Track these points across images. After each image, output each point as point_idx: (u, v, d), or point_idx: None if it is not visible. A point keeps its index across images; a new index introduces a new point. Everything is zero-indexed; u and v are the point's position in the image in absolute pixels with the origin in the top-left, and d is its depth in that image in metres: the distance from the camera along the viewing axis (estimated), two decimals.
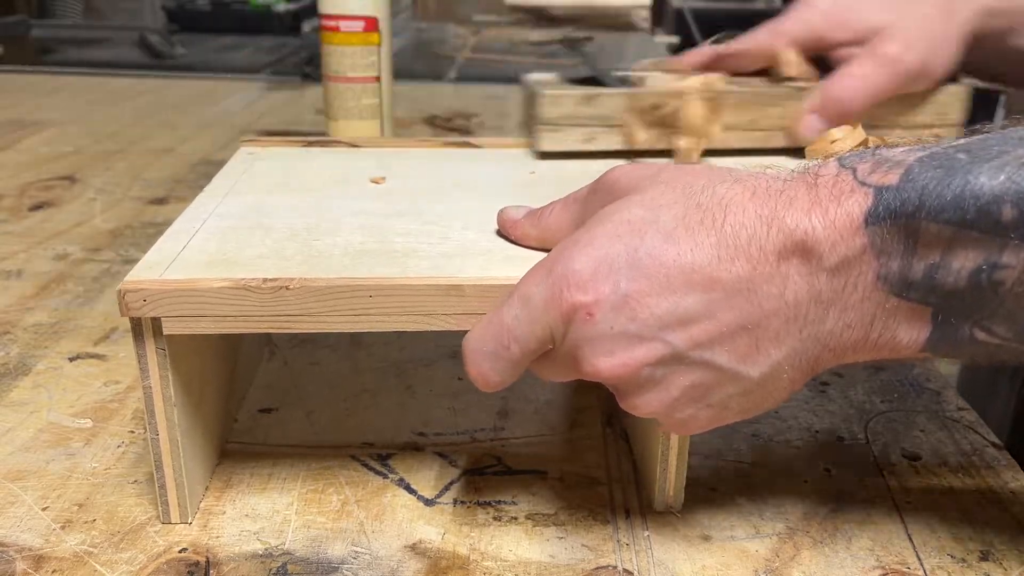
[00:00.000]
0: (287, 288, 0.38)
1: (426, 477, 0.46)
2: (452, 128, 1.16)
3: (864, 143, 0.54)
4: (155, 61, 1.62)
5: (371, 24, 0.84)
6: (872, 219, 0.32)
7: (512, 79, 1.48)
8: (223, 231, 0.44)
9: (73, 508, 0.43)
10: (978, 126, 0.35)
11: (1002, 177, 0.30)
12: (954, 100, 0.59)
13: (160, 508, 0.41)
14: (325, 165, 0.56)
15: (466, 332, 0.37)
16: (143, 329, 0.38)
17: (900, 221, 0.31)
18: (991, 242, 0.31)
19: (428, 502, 0.44)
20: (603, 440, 0.49)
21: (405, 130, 1.14)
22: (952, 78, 0.59)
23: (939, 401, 0.53)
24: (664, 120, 0.57)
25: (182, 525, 0.41)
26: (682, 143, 0.57)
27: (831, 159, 0.35)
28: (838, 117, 0.55)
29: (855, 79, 0.55)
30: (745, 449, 0.48)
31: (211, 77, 1.48)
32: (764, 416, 0.51)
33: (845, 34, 0.57)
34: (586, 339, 0.35)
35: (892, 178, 0.32)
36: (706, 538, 0.42)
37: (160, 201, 0.86)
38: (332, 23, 0.84)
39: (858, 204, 0.32)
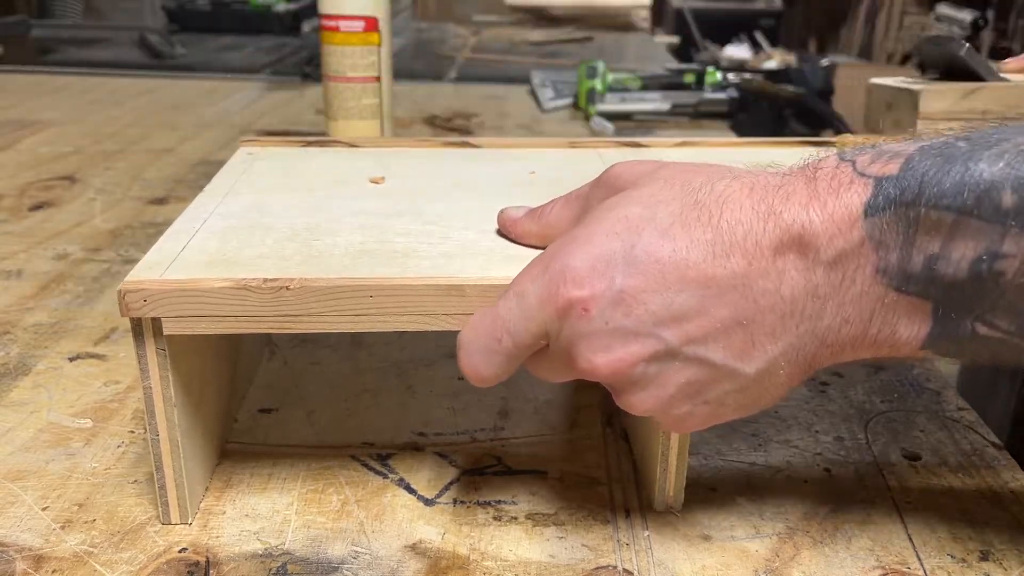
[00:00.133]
0: (287, 288, 0.38)
1: (426, 477, 0.46)
2: (452, 128, 1.16)
3: None
4: (155, 61, 1.62)
5: (371, 24, 0.84)
6: (871, 210, 0.32)
7: (512, 79, 1.49)
8: (223, 231, 0.44)
9: (73, 508, 0.43)
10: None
11: (1001, 164, 0.30)
12: None
13: (160, 508, 0.41)
14: (325, 165, 0.56)
15: None
16: (143, 329, 0.38)
17: (900, 210, 0.31)
18: (991, 230, 0.30)
19: (428, 502, 0.44)
20: (603, 440, 0.49)
21: (405, 130, 1.14)
22: None
23: (939, 401, 0.53)
24: None
25: (182, 525, 0.41)
26: None
27: (831, 153, 0.35)
28: None
29: None
30: (745, 449, 0.48)
31: (211, 77, 1.48)
32: (764, 416, 0.51)
33: None
34: (581, 335, 0.35)
35: (892, 167, 0.32)
36: (706, 538, 0.42)
37: (160, 201, 0.86)
38: (332, 23, 0.84)
39: (857, 195, 0.32)
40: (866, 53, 4.27)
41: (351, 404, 0.52)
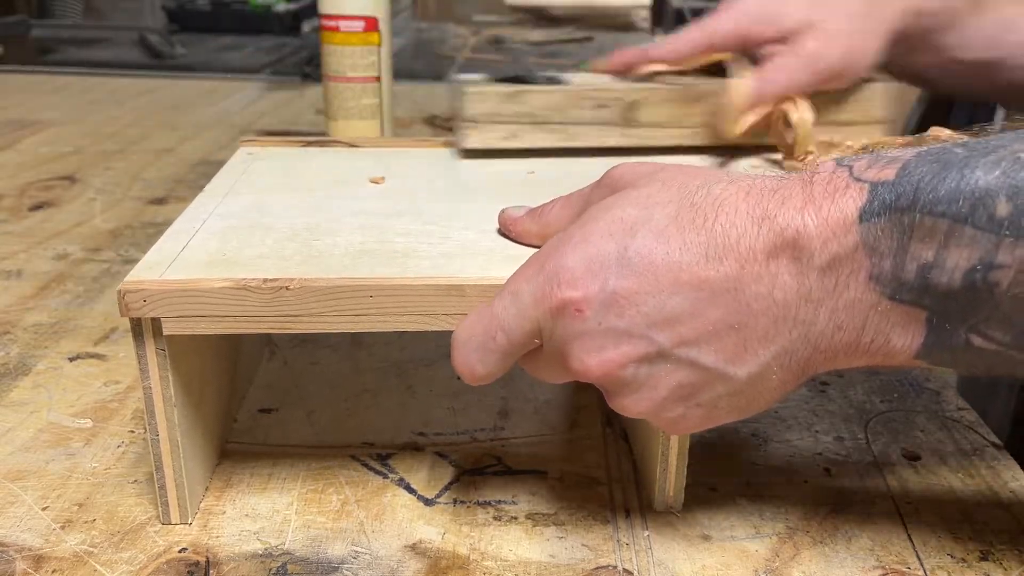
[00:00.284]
0: (287, 288, 0.38)
1: (426, 477, 0.46)
2: (452, 128, 1.16)
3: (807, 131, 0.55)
4: (155, 61, 1.62)
5: (371, 24, 0.84)
6: (866, 215, 0.32)
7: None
8: (223, 231, 0.44)
9: (73, 508, 0.43)
10: (977, 127, 0.35)
11: (998, 172, 0.30)
12: (878, 97, 0.60)
13: (160, 508, 0.41)
14: (325, 165, 0.56)
15: None
16: (143, 329, 0.38)
17: (895, 216, 0.31)
18: (986, 239, 0.30)
19: (428, 502, 0.44)
20: (603, 440, 0.49)
21: (405, 130, 1.14)
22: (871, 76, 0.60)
23: (939, 401, 0.53)
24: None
25: (182, 525, 0.41)
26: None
27: (829, 159, 0.35)
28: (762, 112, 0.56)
29: (776, 75, 0.56)
30: (745, 449, 0.48)
31: (211, 77, 1.48)
32: (764, 416, 0.51)
33: (769, 31, 0.57)
34: (574, 335, 0.35)
35: (888, 173, 0.32)
36: (706, 538, 0.42)
37: (160, 201, 0.86)
38: (332, 23, 0.84)
39: (852, 200, 0.32)
40: None
41: (351, 404, 0.52)
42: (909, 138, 0.54)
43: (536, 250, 0.42)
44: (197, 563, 0.39)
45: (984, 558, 0.40)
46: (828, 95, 0.58)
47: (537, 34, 2.01)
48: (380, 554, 0.40)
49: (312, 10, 1.93)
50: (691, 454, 0.42)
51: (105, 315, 0.62)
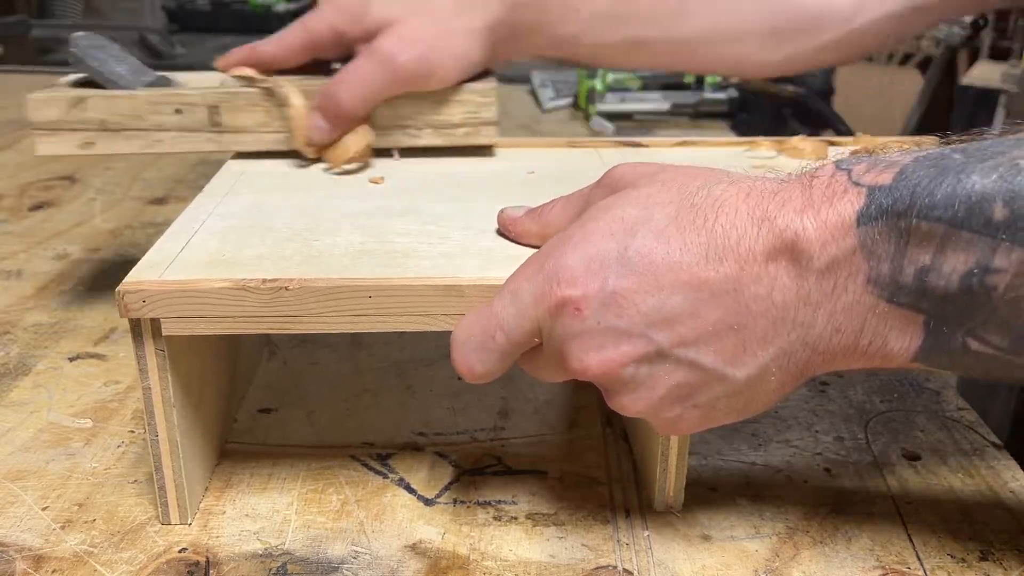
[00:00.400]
0: (287, 288, 0.38)
1: (426, 477, 0.46)
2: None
3: (366, 149, 0.54)
4: (155, 61, 1.62)
5: None
6: (864, 219, 0.32)
7: (512, 79, 1.49)
8: (223, 231, 0.44)
9: (73, 508, 0.43)
10: (976, 129, 0.35)
11: (994, 176, 0.30)
12: (482, 97, 0.57)
13: (160, 508, 0.41)
14: (325, 165, 0.56)
15: None
16: (142, 330, 0.38)
17: (891, 220, 0.31)
18: (982, 243, 0.30)
19: (428, 502, 0.44)
20: (603, 440, 0.49)
21: None
22: (487, 72, 0.58)
23: (939, 401, 0.53)
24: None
25: (182, 525, 0.41)
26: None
27: (828, 162, 0.35)
28: (336, 117, 0.54)
29: (351, 77, 0.54)
30: (745, 449, 0.48)
31: None
32: (764, 416, 0.51)
33: (357, 30, 0.55)
34: (573, 334, 0.35)
35: (886, 177, 0.32)
36: (706, 538, 0.42)
37: (160, 201, 0.86)
38: None
39: (851, 204, 0.32)
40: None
41: (351, 404, 0.52)
42: (906, 140, 0.54)
43: (536, 250, 0.42)
44: (197, 563, 0.39)
45: (984, 558, 0.40)
46: (425, 96, 0.56)
47: None
48: (380, 554, 0.40)
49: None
50: (691, 454, 0.42)
51: (105, 315, 0.62)
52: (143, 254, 0.41)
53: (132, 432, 0.49)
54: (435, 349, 0.58)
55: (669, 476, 0.42)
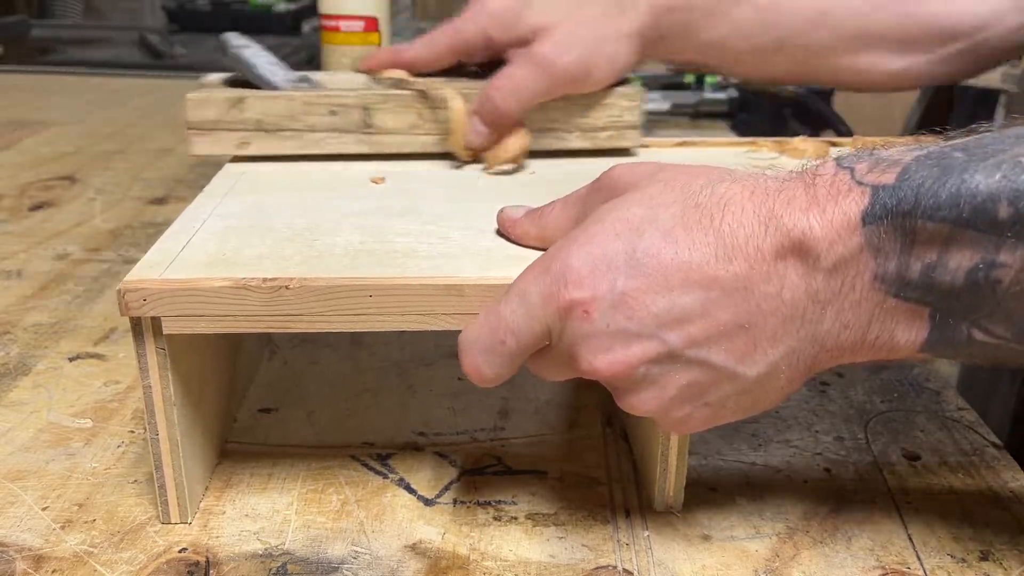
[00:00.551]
0: (287, 288, 0.38)
1: (426, 477, 0.46)
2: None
3: (524, 151, 0.54)
4: (155, 61, 1.62)
5: (371, 24, 0.84)
6: (869, 218, 0.32)
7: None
8: (223, 231, 0.44)
9: (73, 508, 0.43)
10: (975, 126, 0.35)
11: (998, 175, 0.31)
12: (628, 101, 0.58)
13: (160, 508, 0.41)
14: (325, 165, 0.56)
15: None
16: (143, 329, 0.38)
17: (896, 220, 0.31)
18: (987, 240, 0.31)
19: (428, 502, 0.44)
20: (603, 440, 0.49)
21: None
22: (625, 79, 0.59)
23: (939, 401, 0.53)
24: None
25: (182, 525, 0.41)
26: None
27: (829, 159, 0.35)
28: (495, 120, 0.55)
29: (509, 81, 0.55)
30: (745, 449, 0.48)
31: None
32: (764, 416, 0.51)
33: (509, 35, 0.56)
34: (583, 336, 0.35)
35: (889, 177, 0.32)
36: (706, 538, 0.42)
37: (160, 201, 0.86)
38: (332, 23, 0.84)
39: (855, 203, 0.32)
40: None
41: (351, 404, 0.52)
42: (907, 138, 0.54)
43: (537, 250, 0.42)
44: (197, 563, 0.39)
45: (984, 558, 0.40)
46: (575, 100, 0.57)
47: None
48: (380, 554, 0.40)
49: (312, 10, 1.93)
50: (691, 454, 0.42)
51: (105, 315, 0.62)
52: (143, 254, 0.41)
53: (132, 432, 0.49)
54: (435, 349, 0.58)
55: (669, 476, 0.42)
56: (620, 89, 0.58)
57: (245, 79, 0.59)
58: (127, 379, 0.54)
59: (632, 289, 0.34)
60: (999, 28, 0.60)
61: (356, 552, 0.40)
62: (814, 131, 1.33)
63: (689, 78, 1.27)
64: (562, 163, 0.57)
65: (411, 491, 0.45)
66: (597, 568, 0.39)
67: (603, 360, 0.35)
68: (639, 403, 0.36)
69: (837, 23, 0.61)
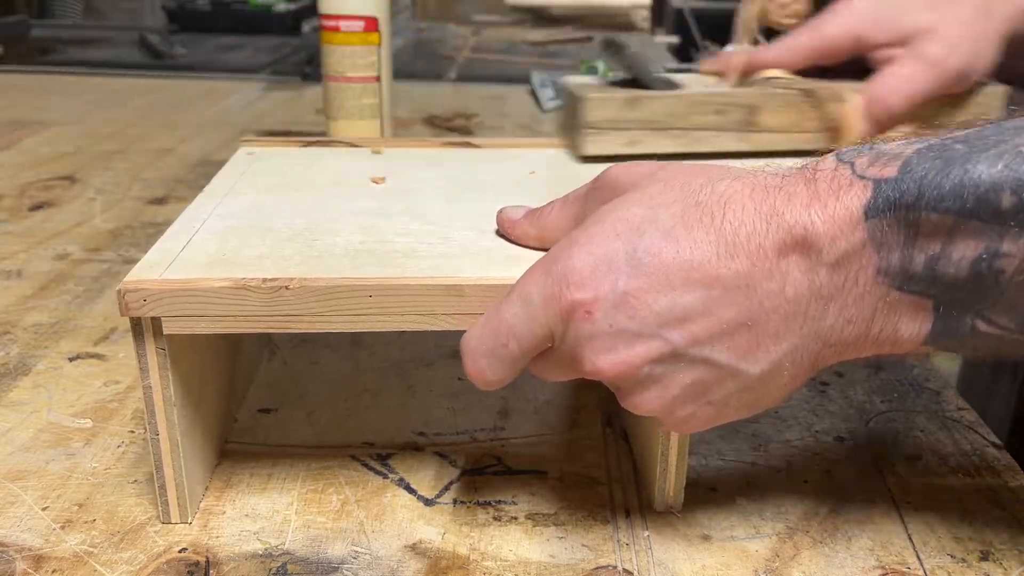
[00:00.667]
0: (287, 288, 0.38)
1: (426, 477, 0.46)
2: (452, 128, 1.16)
3: None
4: (155, 61, 1.62)
5: (371, 24, 0.84)
6: (871, 212, 0.32)
7: (512, 79, 1.49)
8: (223, 231, 0.44)
9: (73, 508, 0.43)
10: (973, 120, 0.35)
11: (1000, 165, 0.31)
12: (993, 100, 0.60)
13: (160, 508, 0.41)
14: (325, 165, 0.56)
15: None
16: (143, 329, 0.38)
17: (899, 213, 0.31)
18: (991, 230, 0.31)
19: (428, 502, 0.44)
20: (603, 440, 0.49)
21: (405, 130, 1.14)
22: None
23: (939, 401, 0.53)
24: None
25: (182, 525, 0.41)
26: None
27: (829, 154, 0.35)
28: (884, 118, 0.56)
29: (899, 80, 0.56)
30: (745, 449, 0.48)
31: (211, 77, 1.48)
32: (764, 416, 0.51)
33: (886, 35, 0.57)
34: (586, 337, 0.35)
35: (890, 170, 0.32)
36: (706, 538, 0.42)
37: (160, 201, 0.86)
38: (332, 23, 0.84)
39: (857, 197, 0.32)
40: None
41: (351, 404, 0.52)
42: (905, 131, 0.54)
43: (537, 251, 0.42)
44: (197, 563, 0.39)
45: (984, 558, 0.40)
46: (947, 98, 0.58)
47: (537, 34, 2.01)
48: (380, 554, 0.40)
49: (312, 10, 1.93)
50: (691, 454, 0.42)
51: (105, 315, 0.62)
52: (143, 254, 0.41)
53: (132, 432, 0.49)
54: (435, 349, 0.58)
55: (669, 476, 0.42)
56: (989, 88, 0.60)
57: (626, 79, 0.61)
58: (127, 379, 0.54)
59: (634, 289, 0.34)
60: None
61: (356, 552, 0.40)
62: None
63: None
64: (563, 163, 0.57)
65: (411, 491, 0.45)
66: (597, 568, 0.39)
67: (606, 360, 0.35)
68: (642, 403, 0.36)
69: None
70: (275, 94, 1.36)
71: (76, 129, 1.10)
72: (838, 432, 0.50)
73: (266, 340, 0.58)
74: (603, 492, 0.45)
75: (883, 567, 0.40)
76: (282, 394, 0.53)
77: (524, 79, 1.46)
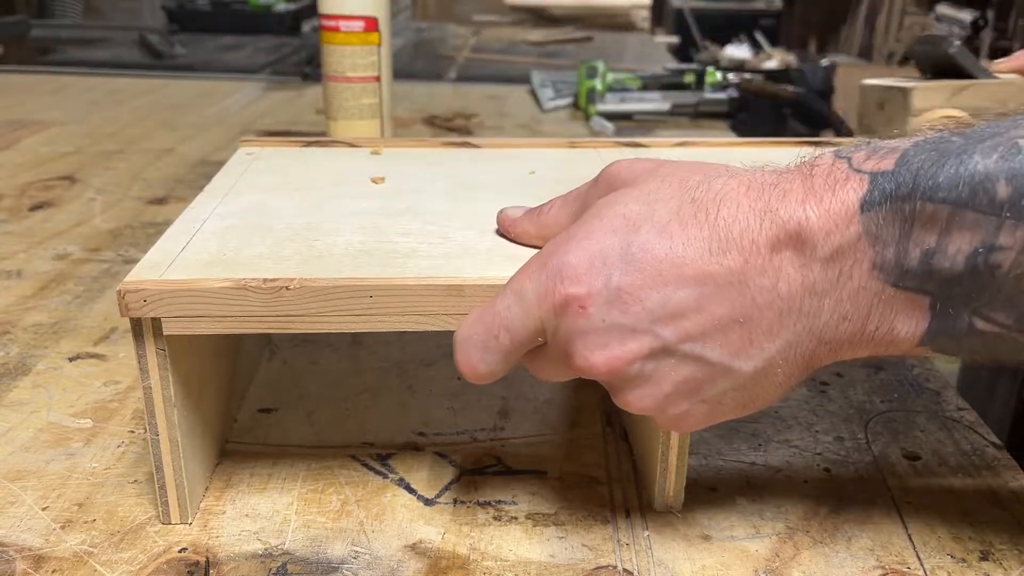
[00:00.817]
0: (287, 288, 0.38)
1: (426, 477, 0.46)
2: (452, 128, 1.16)
3: None
4: (155, 61, 1.62)
5: (371, 24, 0.84)
6: (867, 205, 0.32)
7: (512, 79, 1.49)
8: (223, 231, 0.44)
9: (73, 508, 0.43)
10: (972, 120, 0.35)
11: (996, 156, 0.31)
12: None
13: (160, 508, 0.41)
14: (325, 165, 0.56)
15: None
16: (143, 329, 0.38)
17: (895, 204, 0.31)
18: (987, 222, 0.31)
19: (428, 502, 0.44)
20: (603, 440, 0.49)
21: (405, 130, 1.14)
22: None
23: (939, 401, 0.53)
24: None
25: (182, 525, 0.41)
26: None
27: (827, 150, 0.35)
28: None
29: None
30: (745, 449, 0.48)
31: (211, 77, 1.48)
32: (764, 416, 0.51)
33: None
34: (578, 332, 0.35)
35: (887, 163, 0.32)
36: (706, 538, 0.42)
37: (160, 201, 0.86)
38: (332, 23, 0.84)
39: (853, 191, 0.32)
40: (866, 53, 4.27)
41: (351, 404, 0.52)
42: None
43: (538, 250, 0.42)
44: (197, 563, 0.39)
45: (984, 558, 0.40)
46: None
47: (537, 34, 2.01)
48: (380, 554, 0.40)
49: (312, 10, 1.93)
50: (691, 454, 0.42)
51: (105, 315, 0.62)
52: (143, 254, 0.41)
53: (132, 432, 0.49)
54: (435, 349, 0.58)
55: (669, 476, 0.42)
56: None
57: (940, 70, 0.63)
58: (127, 379, 0.54)
59: (627, 284, 0.34)
60: None
61: (356, 552, 0.40)
62: (814, 131, 1.33)
63: (689, 78, 1.28)
64: (563, 163, 0.57)
65: (411, 491, 0.45)
66: (597, 568, 0.39)
67: (599, 356, 0.35)
68: (635, 400, 0.36)
69: None
70: (275, 94, 1.36)
71: (76, 129, 1.10)
72: (838, 432, 0.50)
73: (266, 340, 0.58)
74: (603, 492, 0.45)
75: (883, 567, 0.40)
76: (282, 394, 0.53)
77: (524, 79, 1.46)
